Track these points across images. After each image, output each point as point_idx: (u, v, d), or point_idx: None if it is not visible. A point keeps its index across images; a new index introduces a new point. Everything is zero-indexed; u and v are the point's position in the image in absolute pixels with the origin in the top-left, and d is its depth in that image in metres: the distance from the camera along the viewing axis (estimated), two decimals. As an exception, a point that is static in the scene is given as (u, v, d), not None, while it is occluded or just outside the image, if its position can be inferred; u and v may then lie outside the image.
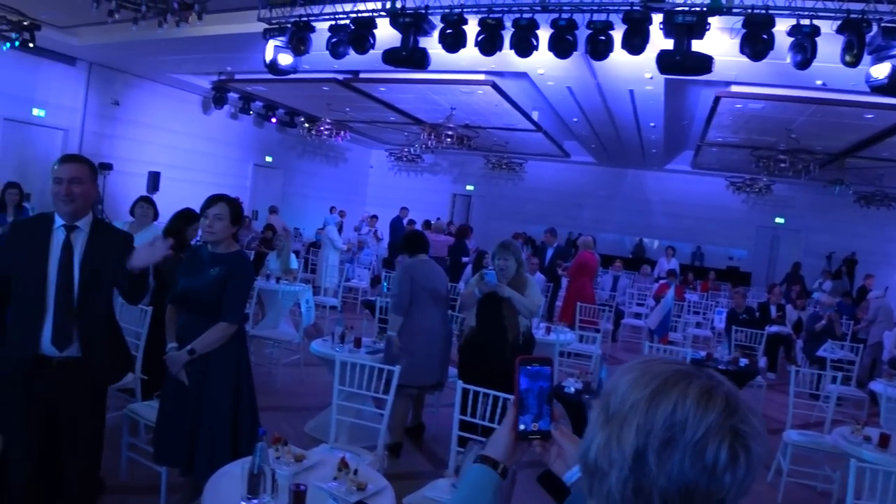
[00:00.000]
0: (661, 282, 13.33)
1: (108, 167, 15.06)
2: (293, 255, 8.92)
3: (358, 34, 7.99)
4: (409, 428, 6.13)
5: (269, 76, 14.78)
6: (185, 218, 5.56)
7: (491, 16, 7.57)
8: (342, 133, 20.48)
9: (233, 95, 17.29)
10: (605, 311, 10.79)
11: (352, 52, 8.29)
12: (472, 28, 7.69)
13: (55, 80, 14.54)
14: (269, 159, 20.93)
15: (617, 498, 0.97)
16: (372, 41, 8.00)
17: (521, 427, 1.37)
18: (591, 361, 7.46)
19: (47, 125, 14.63)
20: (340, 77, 14.28)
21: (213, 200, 3.83)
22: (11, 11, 10.31)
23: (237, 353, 3.81)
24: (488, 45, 7.62)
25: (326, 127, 19.80)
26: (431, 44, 8.03)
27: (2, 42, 10.65)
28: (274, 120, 19.32)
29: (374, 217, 15.49)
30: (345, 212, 18.59)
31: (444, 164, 25.61)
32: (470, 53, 7.93)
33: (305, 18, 8.50)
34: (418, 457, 5.89)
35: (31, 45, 11.15)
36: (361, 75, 14.14)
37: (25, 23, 10.64)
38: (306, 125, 19.73)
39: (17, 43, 10.71)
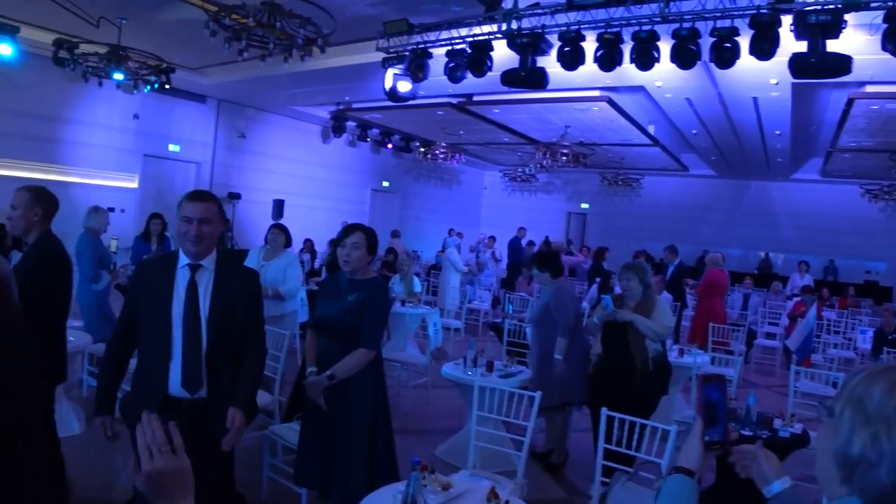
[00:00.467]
0: (796, 299, 12.57)
1: (236, 196, 15.87)
2: (416, 279, 9.02)
3: (475, 57, 8.04)
4: (542, 453, 6.01)
5: (386, 104, 15.24)
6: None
7: (609, 30, 7.44)
8: (457, 156, 20.71)
9: (350, 124, 17.85)
10: (737, 332, 10.26)
11: (469, 75, 8.34)
12: (589, 44, 7.60)
13: (188, 118, 15.51)
14: (386, 184, 21.44)
15: (887, 483, 1.18)
16: (489, 64, 8.04)
17: (707, 438, 1.59)
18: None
19: (182, 159, 15.62)
20: (454, 101, 14.45)
21: (350, 230, 3.82)
22: (151, 57, 11.06)
23: (374, 379, 3.83)
24: (607, 60, 7.48)
25: (442, 150, 20.08)
26: (547, 62, 7.99)
27: (143, 85, 11.40)
28: (390, 146, 19.79)
29: (492, 238, 15.48)
30: (462, 233, 18.73)
31: (557, 183, 25.40)
32: (586, 69, 7.82)
33: (423, 45, 8.65)
34: (551, 483, 5.76)
35: (167, 86, 11.91)
36: (475, 98, 14.27)
37: (163, 66, 11.39)
38: (422, 150, 20.09)
39: (156, 85, 11.48)
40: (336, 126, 17.38)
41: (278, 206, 16.74)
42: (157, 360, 2.98)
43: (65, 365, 3.81)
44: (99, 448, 4.71)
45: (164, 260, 3.15)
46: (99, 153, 14.18)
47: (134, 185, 14.60)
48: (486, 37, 8.07)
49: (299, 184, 17.61)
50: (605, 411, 3.94)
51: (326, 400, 3.68)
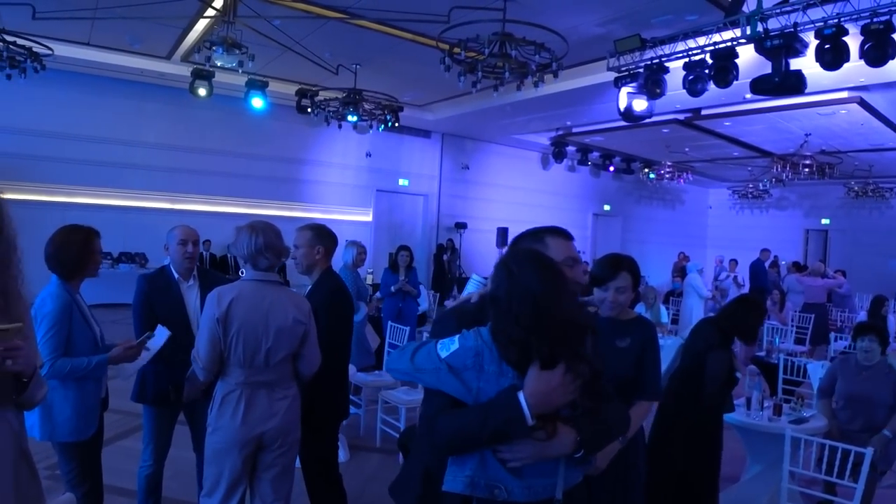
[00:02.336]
0: None
1: (462, 226, 16.26)
2: (663, 308, 8.48)
3: (719, 67, 7.48)
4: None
5: (607, 126, 14.93)
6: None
7: (875, 20, 6.58)
8: (684, 174, 19.75)
9: (570, 148, 17.64)
10: None
11: (710, 86, 7.79)
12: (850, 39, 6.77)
13: (415, 153, 16.22)
14: (607, 207, 20.94)
15: None
16: (735, 72, 7.43)
17: None
18: None
19: (411, 192, 16.36)
20: (681, 117, 13.75)
21: (613, 268, 3.12)
22: (384, 97, 11.65)
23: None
24: (877, 53, 6.59)
25: (668, 170, 19.25)
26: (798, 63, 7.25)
27: (378, 124, 12.02)
28: (611, 168, 19.29)
29: (734, 261, 14.38)
30: (688, 256, 17.71)
31: (792, 198, 23.28)
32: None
33: (657, 60, 8.23)
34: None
35: (396, 124, 12.47)
36: (703, 112, 13.45)
37: (394, 106, 11.94)
38: (645, 170, 19.40)
39: (390, 124, 12.04)
40: (556, 152, 17.26)
41: (502, 234, 16.87)
42: None
43: (348, 401, 3.88)
44: (361, 479, 4.81)
45: None
46: (336, 190, 15.27)
47: (368, 218, 15.46)
48: (729, 43, 7.48)
49: (521, 211, 17.65)
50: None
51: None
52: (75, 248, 3.07)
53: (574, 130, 16.31)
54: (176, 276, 3.72)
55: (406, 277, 7.53)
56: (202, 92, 11.27)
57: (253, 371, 3.00)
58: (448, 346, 1.87)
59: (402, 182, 16.27)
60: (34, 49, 9.43)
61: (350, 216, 14.93)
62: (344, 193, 15.40)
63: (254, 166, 14.24)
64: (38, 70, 9.66)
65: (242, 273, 3.17)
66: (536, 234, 2.31)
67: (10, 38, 9.11)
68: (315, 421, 3.35)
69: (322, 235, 3.67)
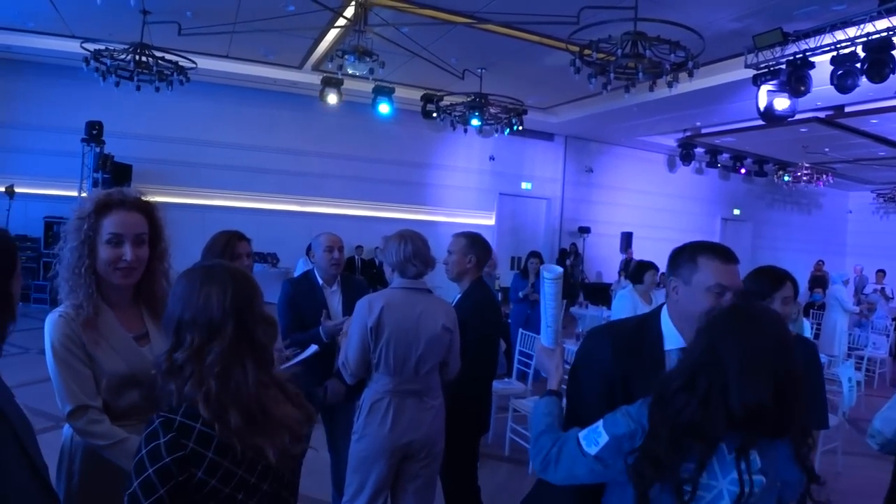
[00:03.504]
0: None
1: (586, 230, 16.01)
2: (806, 322, 7.92)
3: (873, 60, 6.97)
4: None
5: (738, 126, 14.29)
6: None
7: None
8: (824, 177, 18.62)
9: (698, 150, 17.01)
10: None
11: (862, 81, 7.28)
12: None
13: (538, 156, 16.13)
14: (736, 212, 20.04)
15: None
16: (892, 66, 6.90)
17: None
18: None
19: (534, 196, 16.28)
20: (822, 115, 12.96)
21: (779, 281, 2.90)
22: (509, 101, 11.62)
23: None
24: None
25: (805, 172, 18.22)
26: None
27: (503, 128, 12.03)
28: (742, 170, 18.44)
29: (882, 272, 13.28)
30: (825, 265, 16.62)
31: (948, 201, 21.52)
32: None
33: (801, 55, 7.78)
34: None
35: (520, 128, 12.40)
36: (848, 109, 12.62)
37: (519, 109, 11.89)
38: (779, 172, 18.44)
39: (515, 127, 12.01)
40: (684, 154, 16.69)
41: (626, 239, 16.49)
42: None
43: (490, 414, 3.85)
44: (490, 489, 4.74)
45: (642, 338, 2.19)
46: (459, 194, 15.42)
47: (491, 222, 15.49)
48: (886, 34, 6.96)
49: (645, 215, 17.21)
50: None
51: None
52: (218, 247, 3.20)
53: (703, 131, 15.72)
54: (320, 281, 3.82)
55: (536, 282, 7.46)
56: (332, 99, 11.72)
57: (402, 379, 3.01)
58: (595, 440, 1.65)
59: (525, 185, 16.22)
60: (180, 63, 10.02)
61: (473, 220, 15.00)
62: (467, 197, 15.53)
63: (379, 170, 14.63)
64: (183, 82, 10.26)
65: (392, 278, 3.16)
66: (692, 252, 1.98)
67: (159, 54, 9.71)
68: (459, 433, 3.29)
69: (476, 244, 3.64)
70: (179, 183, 13.27)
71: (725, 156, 17.65)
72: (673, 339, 1.99)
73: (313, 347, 3.40)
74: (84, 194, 11.78)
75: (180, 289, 1.56)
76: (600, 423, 1.68)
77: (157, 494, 1.38)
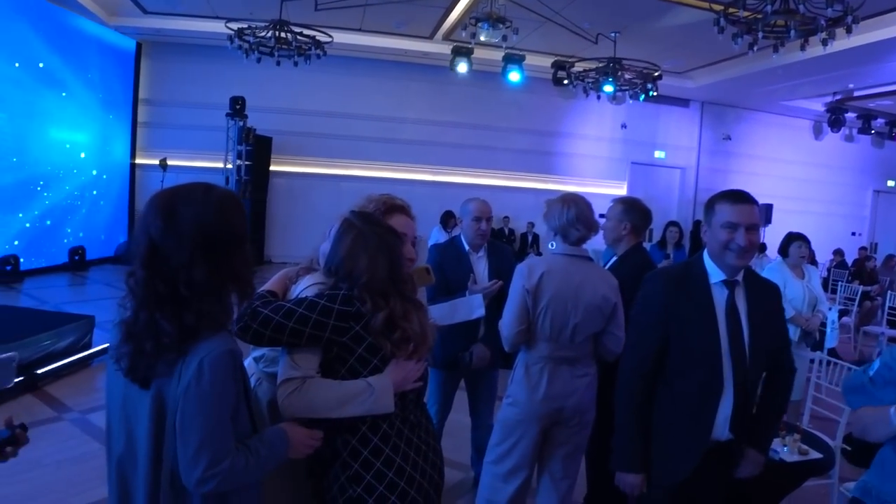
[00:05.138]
0: None
1: (722, 202, 15.34)
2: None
3: None
4: None
5: (897, 87, 13.18)
6: None
7: None
8: None
9: (849, 115, 15.81)
10: None
11: None
12: None
13: (672, 123, 15.57)
14: (891, 184, 18.51)
15: None
16: None
17: None
18: None
19: (667, 165, 15.78)
20: None
21: None
22: (644, 65, 11.22)
23: None
24: None
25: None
26: None
27: (638, 94, 11.65)
28: (900, 137, 17.02)
29: None
30: None
31: None
32: None
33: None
34: None
35: (654, 93, 11.96)
36: None
37: (654, 74, 11.45)
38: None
39: (651, 93, 11.59)
40: (833, 119, 15.54)
41: (766, 212, 15.63)
42: (705, 399, 2.42)
43: None
44: None
45: (689, 274, 2.52)
46: (590, 163, 15.19)
47: (622, 192, 15.10)
48: None
49: (788, 186, 16.23)
50: None
51: None
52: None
53: (857, 94, 14.57)
54: (466, 247, 3.87)
55: (674, 254, 7.23)
56: (462, 68, 11.81)
57: (558, 346, 3.00)
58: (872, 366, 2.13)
59: (659, 154, 15.72)
60: (317, 38, 10.35)
61: (604, 189, 14.66)
62: (598, 166, 15.27)
63: (509, 139, 14.65)
64: (320, 56, 10.61)
65: (552, 246, 3.15)
66: (711, 200, 2.51)
67: (297, 30, 10.08)
68: (609, 405, 3.24)
69: (632, 210, 3.60)
70: (315, 154, 13.95)
71: (880, 121, 16.30)
72: (715, 274, 2.45)
73: (479, 312, 3.47)
74: (229, 165, 12.50)
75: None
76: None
77: (311, 321, 1.88)
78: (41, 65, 10.62)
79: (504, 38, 9.24)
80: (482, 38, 9.40)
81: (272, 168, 13.78)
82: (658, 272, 2.74)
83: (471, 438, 4.12)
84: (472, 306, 3.47)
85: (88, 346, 6.34)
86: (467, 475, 4.18)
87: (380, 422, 1.93)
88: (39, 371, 5.47)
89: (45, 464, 4.12)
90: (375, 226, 2.03)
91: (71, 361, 6.00)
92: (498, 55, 11.76)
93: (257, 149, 12.83)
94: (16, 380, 4.92)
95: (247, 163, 12.59)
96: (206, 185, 1.70)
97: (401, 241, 2.09)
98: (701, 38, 10.46)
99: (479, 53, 11.64)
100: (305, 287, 2.09)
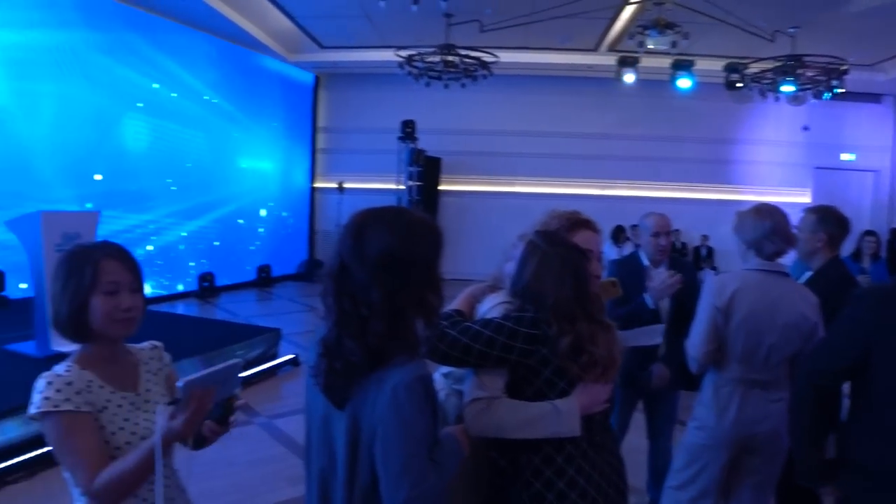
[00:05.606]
0: None
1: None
2: None
3: None
4: None
5: None
6: None
7: None
8: None
9: None
10: None
11: None
12: None
13: (862, 122, 14.35)
14: None
15: None
16: None
17: None
18: None
19: (857, 168, 14.55)
20: None
21: None
22: (828, 60, 10.39)
23: None
24: None
25: None
26: None
27: (822, 92, 10.80)
28: None
29: None
30: None
31: None
32: None
33: None
34: None
35: (841, 90, 11.04)
36: None
37: (840, 69, 10.57)
38: None
39: (836, 90, 10.71)
40: None
41: None
42: None
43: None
44: None
45: None
46: (768, 170, 14.37)
47: (807, 199, 14.04)
48: None
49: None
50: None
51: None
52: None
53: None
54: (646, 262, 3.77)
55: (872, 266, 6.61)
56: (629, 78, 11.58)
57: (751, 367, 2.82)
58: None
59: (847, 157, 14.47)
60: (483, 59, 10.56)
61: (785, 198, 13.65)
62: (777, 173, 14.34)
63: (679, 149, 14.16)
64: (487, 76, 10.82)
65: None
66: None
67: (463, 52, 10.35)
68: None
69: (826, 220, 3.30)
70: (482, 172, 14.38)
71: None
72: None
73: (658, 340, 3.36)
74: (401, 186, 13.05)
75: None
76: None
77: (497, 343, 1.89)
78: (232, 100, 11.96)
79: (673, 44, 8.95)
80: (650, 46, 9.14)
81: (441, 187, 14.25)
82: (871, 290, 2.60)
83: (647, 462, 3.95)
84: (652, 335, 3.36)
85: (275, 357, 6.82)
86: (641, 500, 4.00)
87: (565, 442, 1.92)
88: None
89: (238, 463, 4.52)
90: (560, 246, 2.03)
91: (261, 370, 6.43)
92: (665, 62, 11.38)
93: (427, 169, 13.36)
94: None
95: (418, 183, 13.11)
96: (400, 209, 1.76)
97: (586, 258, 2.07)
98: (893, 24, 9.58)
99: (645, 62, 11.34)
100: (492, 307, 2.12)
